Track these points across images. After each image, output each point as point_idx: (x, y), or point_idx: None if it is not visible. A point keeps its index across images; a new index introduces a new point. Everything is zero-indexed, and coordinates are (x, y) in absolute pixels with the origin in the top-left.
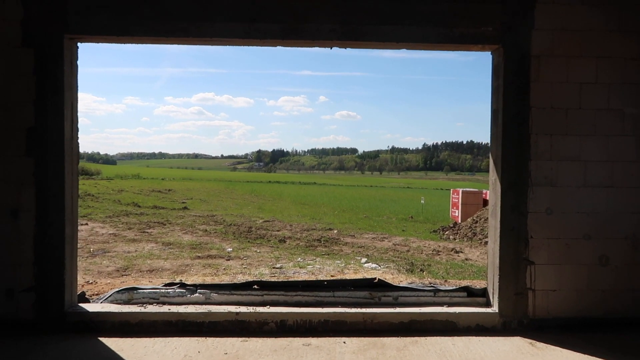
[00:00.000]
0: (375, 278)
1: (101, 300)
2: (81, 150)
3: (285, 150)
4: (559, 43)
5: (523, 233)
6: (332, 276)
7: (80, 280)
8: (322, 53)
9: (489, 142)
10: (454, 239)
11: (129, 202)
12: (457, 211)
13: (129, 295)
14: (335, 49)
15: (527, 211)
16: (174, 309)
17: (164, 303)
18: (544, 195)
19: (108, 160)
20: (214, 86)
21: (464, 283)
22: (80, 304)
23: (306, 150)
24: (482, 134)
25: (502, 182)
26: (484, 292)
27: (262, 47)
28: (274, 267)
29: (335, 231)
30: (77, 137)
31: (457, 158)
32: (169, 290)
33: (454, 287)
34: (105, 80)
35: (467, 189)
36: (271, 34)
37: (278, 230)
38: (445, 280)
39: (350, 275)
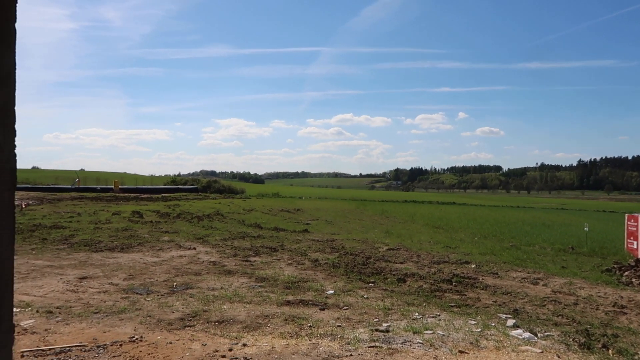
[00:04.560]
0: None
1: None
2: (234, 170)
3: (423, 169)
4: None
5: None
6: (460, 352)
7: (128, 332)
8: (461, 69)
9: None
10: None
11: (252, 223)
12: (635, 243)
13: None
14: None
15: None
16: None
17: None
18: None
19: (257, 179)
20: (352, 107)
21: None
22: None
23: (445, 169)
24: None
25: None
26: None
27: (397, 66)
28: (377, 330)
29: (472, 266)
30: (13, 145)
31: (620, 175)
32: None
33: None
34: (254, 106)
35: None
36: None
37: (401, 263)
38: None
39: (488, 352)
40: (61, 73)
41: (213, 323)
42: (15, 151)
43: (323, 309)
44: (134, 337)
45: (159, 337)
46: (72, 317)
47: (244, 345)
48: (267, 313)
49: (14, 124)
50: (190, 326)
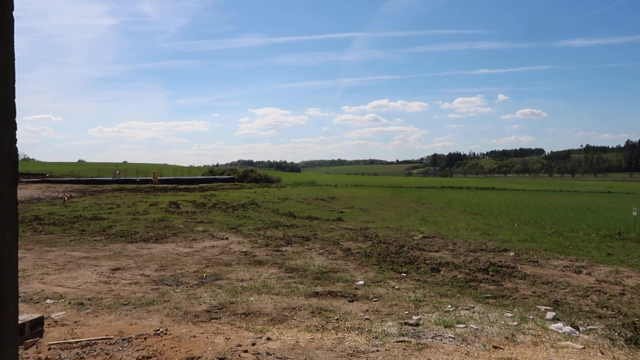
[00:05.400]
0: None
1: None
2: (271, 159)
3: (462, 154)
4: None
5: None
6: (494, 347)
7: (154, 324)
8: (500, 50)
9: None
10: None
11: (285, 212)
12: None
13: None
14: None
15: None
16: None
17: None
18: None
19: (294, 167)
20: (388, 93)
21: None
22: None
23: (485, 153)
24: None
25: None
26: None
27: (433, 49)
28: (406, 323)
29: (511, 253)
30: (14, 139)
31: None
32: None
33: None
34: (290, 94)
35: None
36: None
37: (436, 251)
38: None
39: (525, 348)
40: (103, 68)
41: (239, 315)
42: (17, 145)
43: (352, 301)
44: (158, 330)
45: (183, 330)
46: (101, 309)
47: (268, 339)
48: (294, 305)
49: (14, 117)
50: (216, 319)
